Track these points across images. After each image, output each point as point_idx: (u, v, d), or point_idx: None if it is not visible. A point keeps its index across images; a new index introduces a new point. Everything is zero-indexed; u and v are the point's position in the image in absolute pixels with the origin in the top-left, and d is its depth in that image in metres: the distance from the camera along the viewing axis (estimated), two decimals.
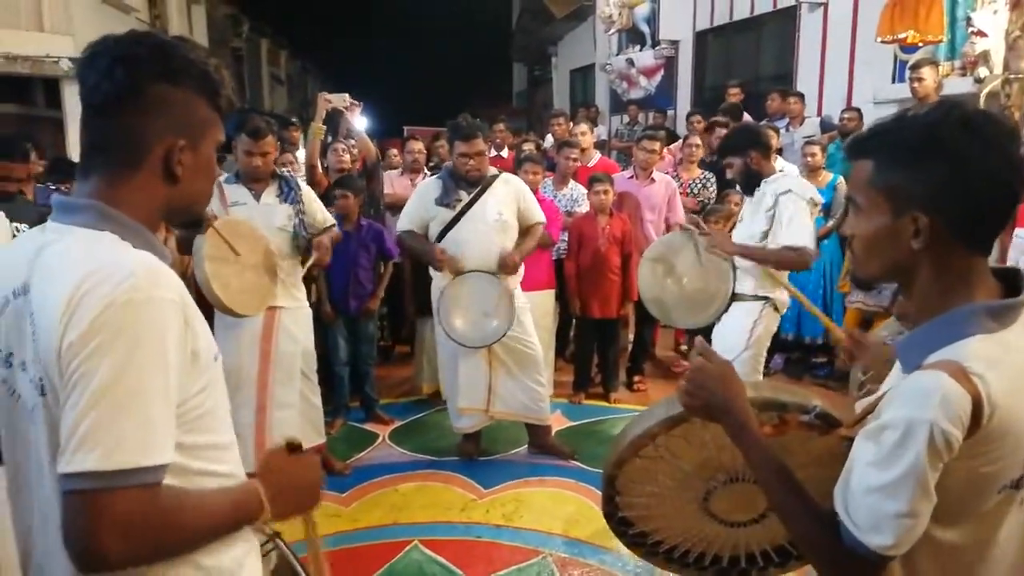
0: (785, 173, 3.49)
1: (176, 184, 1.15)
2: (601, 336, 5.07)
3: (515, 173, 4.68)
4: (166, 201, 1.16)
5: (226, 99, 1.21)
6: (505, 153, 6.88)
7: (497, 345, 3.90)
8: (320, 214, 3.72)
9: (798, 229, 3.20)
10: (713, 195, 5.63)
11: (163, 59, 1.13)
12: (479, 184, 3.90)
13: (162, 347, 1.01)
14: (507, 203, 3.93)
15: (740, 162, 3.36)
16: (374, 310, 4.75)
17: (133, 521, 0.97)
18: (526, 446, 4.29)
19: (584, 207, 5.14)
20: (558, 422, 4.54)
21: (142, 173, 1.13)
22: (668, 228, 5.21)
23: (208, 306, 3.52)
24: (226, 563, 1.15)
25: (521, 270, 4.07)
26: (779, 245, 3.23)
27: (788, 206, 3.22)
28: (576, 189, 5.34)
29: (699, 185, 5.80)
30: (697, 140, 6.02)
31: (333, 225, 3.77)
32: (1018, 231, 2.63)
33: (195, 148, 1.16)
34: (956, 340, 1.06)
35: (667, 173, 5.69)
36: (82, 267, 1.01)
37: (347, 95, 4.99)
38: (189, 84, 1.14)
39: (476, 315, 3.86)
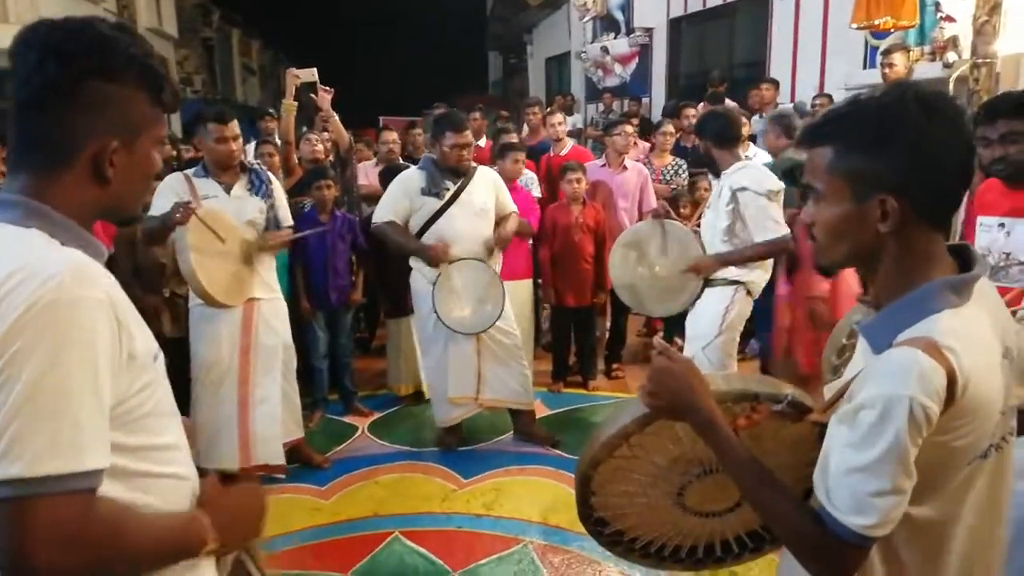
0: (749, 163, 3.50)
1: (107, 185, 1.10)
2: (577, 325, 5.09)
3: (493, 162, 4.66)
4: (96, 202, 1.10)
5: (170, 95, 1.15)
6: (483, 142, 6.85)
7: (485, 333, 3.93)
8: (283, 212, 3.70)
9: (766, 223, 3.24)
10: (685, 181, 5.67)
11: (101, 54, 1.06)
12: (463, 174, 3.91)
13: (90, 348, 0.97)
14: (489, 193, 3.99)
15: (702, 145, 3.42)
16: (357, 301, 4.73)
17: (66, 530, 0.93)
18: (505, 435, 4.30)
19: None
20: (538, 410, 4.54)
21: (71, 173, 1.07)
22: (641, 216, 5.23)
23: (175, 301, 3.50)
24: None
25: (500, 258, 4.09)
26: (753, 242, 3.28)
27: (748, 204, 3.25)
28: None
29: (671, 172, 5.84)
30: (670, 128, 6.05)
31: (291, 227, 3.75)
32: (981, 219, 2.65)
33: (130, 147, 1.11)
34: (925, 316, 1.07)
35: (638, 161, 5.72)
36: (3, 267, 0.96)
37: (314, 70, 4.94)
38: (129, 80, 1.09)
39: (472, 302, 3.89)
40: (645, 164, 5.73)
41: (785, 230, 3.26)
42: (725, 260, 3.36)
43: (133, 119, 1.11)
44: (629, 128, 5.40)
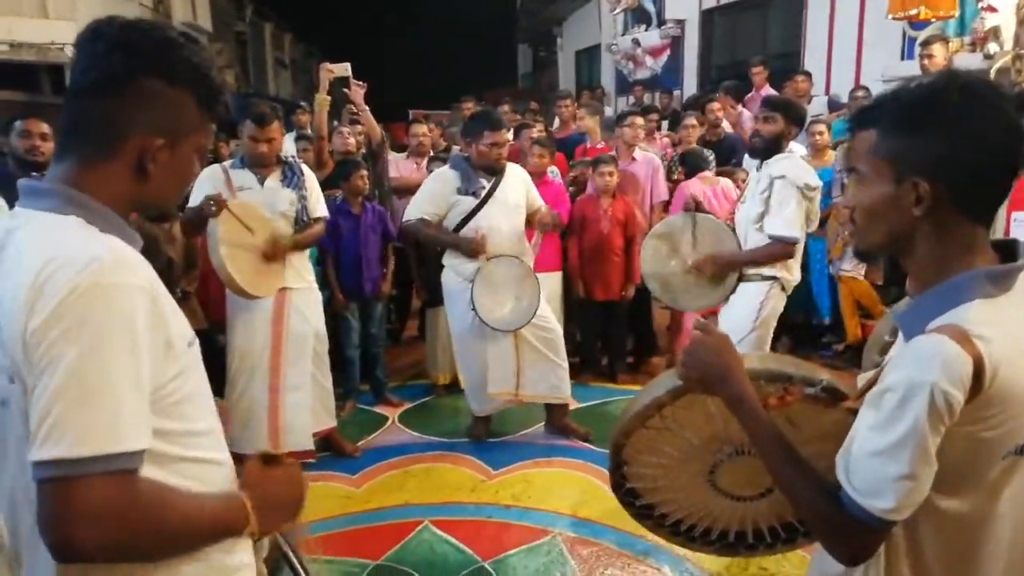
0: (791, 153, 3.47)
1: (146, 181, 1.12)
2: (605, 318, 5.08)
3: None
4: (132, 195, 1.13)
5: (223, 107, 1.19)
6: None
7: (523, 328, 3.93)
8: (316, 202, 3.73)
9: (783, 218, 3.22)
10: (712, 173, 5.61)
11: (163, 55, 1.11)
12: (497, 172, 3.93)
13: (131, 333, 0.99)
14: (520, 189, 4.01)
15: (782, 124, 3.35)
16: (387, 294, 4.77)
17: (107, 509, 0.96)
18: (535, 427, 4.31)
19: None
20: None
21: (114, 164, 1.10)
22: (652, 207, 5.23)
23: (219, 288, 3.57)
24: (218, 554, 1.13)
25: (535, 251, 4.12)
26: (765, 236, 3.27)
27: (779, 193, 3.23)
28: None
29: None
30: (693, 120, 6.02)
31: (324, 218, 3.79)
32: (1016, 214, 2.61)
33: (173, 148, 1.13)
34: (957, 305, 1.06)
35: (662, 152, 5.73)
36: (45, 253, 0.99)
37: (348, 64, 4.98)
38: (184, 85, 1.12)
39: (509, 299, 3.90)
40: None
41: (796, 232, 3.25)
42: (735, 261, 3.36)
43: (180, 122, 1.14)
44: (639, 120, 5.39)
